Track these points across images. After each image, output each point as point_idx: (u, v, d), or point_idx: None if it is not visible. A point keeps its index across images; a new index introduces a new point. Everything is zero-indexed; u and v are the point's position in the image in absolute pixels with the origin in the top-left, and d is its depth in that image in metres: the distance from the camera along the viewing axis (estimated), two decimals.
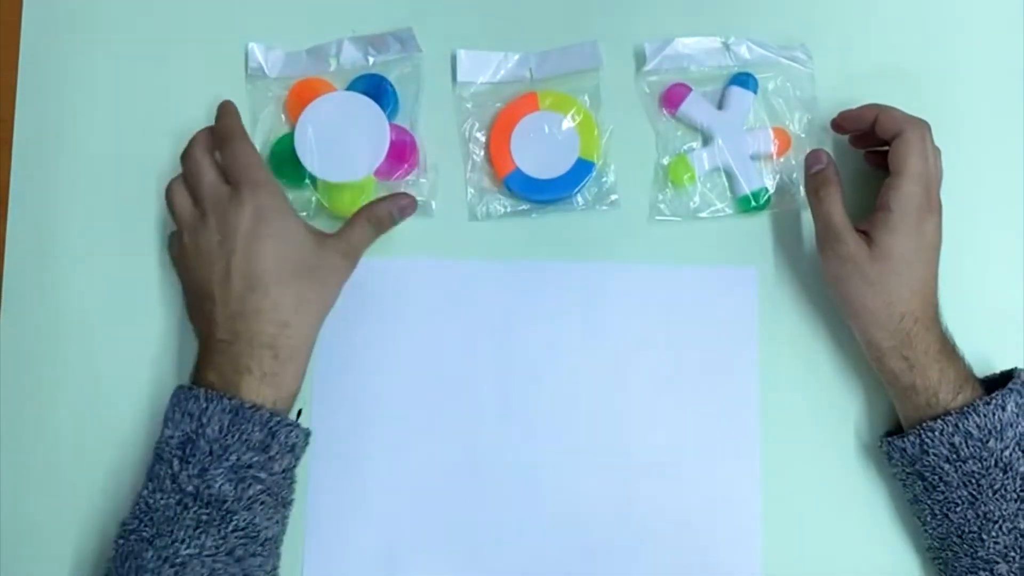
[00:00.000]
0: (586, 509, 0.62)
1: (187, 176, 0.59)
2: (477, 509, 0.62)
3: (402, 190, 0.64)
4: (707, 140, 0.66)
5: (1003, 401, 0.56)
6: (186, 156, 0.59)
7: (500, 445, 0.63)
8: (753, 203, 0.65)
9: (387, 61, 0.66)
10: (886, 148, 0.60)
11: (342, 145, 0.62)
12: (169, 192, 0.59)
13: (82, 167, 0.66)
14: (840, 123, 0.63)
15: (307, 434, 0.57)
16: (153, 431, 0.61)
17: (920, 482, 0.58)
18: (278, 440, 0.54)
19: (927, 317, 0.58)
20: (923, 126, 0.59)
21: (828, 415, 0.64)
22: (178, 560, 0.52)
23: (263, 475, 0.54)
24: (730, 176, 0.65)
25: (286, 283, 0.55)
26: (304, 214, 0.64)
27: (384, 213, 0.61)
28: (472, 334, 0.64)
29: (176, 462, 0.53)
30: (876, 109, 0.60)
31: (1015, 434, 0.56)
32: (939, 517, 0.57)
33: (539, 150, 0.64)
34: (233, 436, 0.53)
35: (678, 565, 0.62)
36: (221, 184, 0.57)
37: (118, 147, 0.66)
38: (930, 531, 0.59)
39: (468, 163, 0.65)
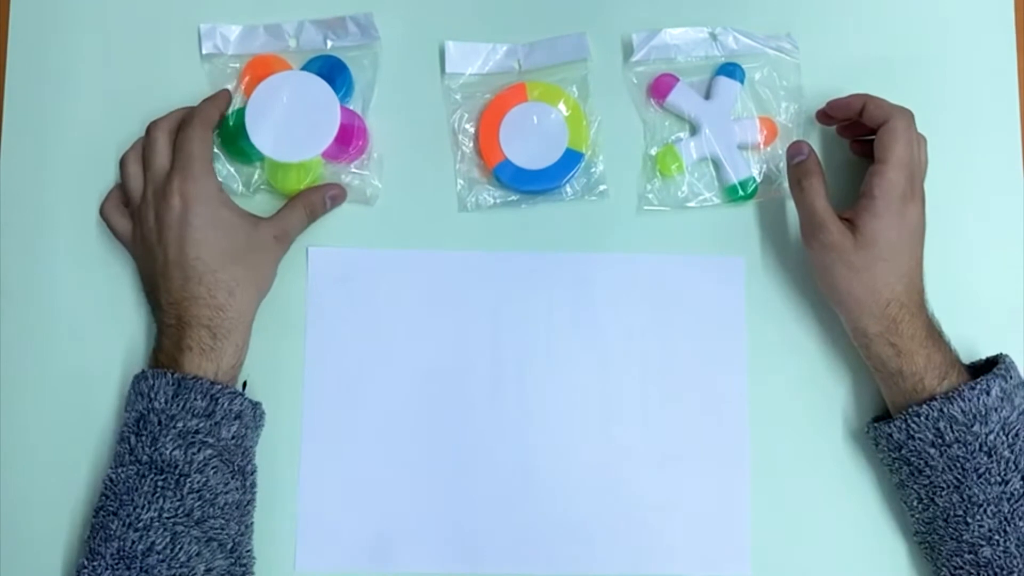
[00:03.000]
0: (575, 497, 0.63)
1: (144, 152, 0.61)
2: (467, 498, 0.63)
3: (350, 172, 0.65)
4: (695, 130, 0.66)
5: (988, 386, 0.56)
6: (147, 133, 0.61)
7: (489, 434, 0.63)
8: (741, 192, 0.65)
9: (345, 45, 0.66)
10: (872, 137, 0.61)
11: (292, 125, 0.63)
12: (124, 163, 0.62)
13: (64, 158, 0.66)
14: (827, 111, 0.64)
15: (254, 405, 0.60)
16: None
17: (906, 467, 0.58)
18: (221, 407, 0.57)
19: (913, 303, 0.58)
20: (908, 115, 0.59)
21: (815, 402, 0.64)
22: (140, 524, 0.55)
23: (211, 440, 0.57)
24: (718, 166, 0.66)
25: (219, 269, 0.59)
26: (246, 189, 0.65)
27: (318, 200, 0.63)
28: (462, 324, 0.64)
29: (132, 438, 0.57)
30: (863, 98, 0.61)
31: (999, 419, 0.56)
32: (925, 501, 0.58)
33: (528, 141, 0.65)
34: (178, 406, 0.56)
35: (667, 551, 0.62)
36: (164, 171, 0.60)
37: (101, 137, 0.66)
38: (916, 515, 0.59)
39: (458, 154, 0.66)
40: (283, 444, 0.63)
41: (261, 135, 0.63)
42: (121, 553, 0.54)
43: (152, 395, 0.56)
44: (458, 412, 0.64)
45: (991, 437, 0.56)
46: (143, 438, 0.56)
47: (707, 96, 0.66)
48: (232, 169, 0.65)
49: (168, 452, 0.56)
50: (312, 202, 0.63)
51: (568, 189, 0.65)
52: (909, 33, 0.67)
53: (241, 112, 0.64)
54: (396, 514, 0.62)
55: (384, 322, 0.64)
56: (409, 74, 0.67)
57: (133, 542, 0.54)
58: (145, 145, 0.61)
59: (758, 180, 0.65)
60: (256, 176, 0.65)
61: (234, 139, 0.64)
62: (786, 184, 0.64)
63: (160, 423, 0.56)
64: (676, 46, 0.66)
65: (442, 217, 0.66)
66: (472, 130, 0.66)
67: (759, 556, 0.62)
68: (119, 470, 0.56)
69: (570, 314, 0.65)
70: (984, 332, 0.63)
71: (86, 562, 0.55)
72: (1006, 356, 0.59)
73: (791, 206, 0.65)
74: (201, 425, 0.56)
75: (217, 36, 0.66)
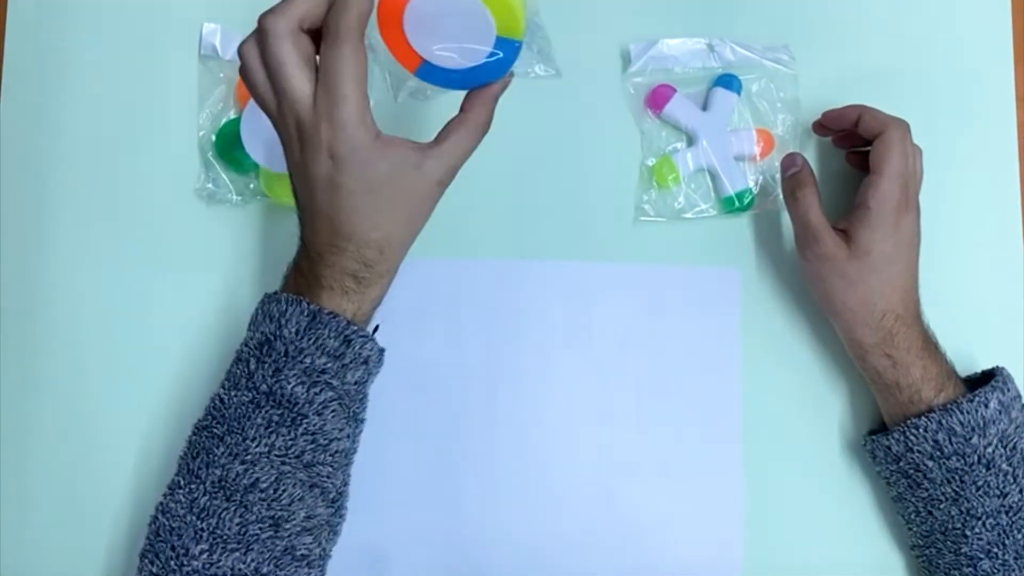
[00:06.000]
0: (570, 507, 0.62)
1: (266, 58, 0.49)
2: (461, 505, 0.62)
3: None
4: (691, 141, 0.66)
5: (986, 398, 0.56)
6: (262, 32, 0.49)
7: (483, 443, 0.63)
8: (737, 204, 0.65)
9: None
10: (867, 148, 0.61)
11: None
12: (242, 62, 0.51)
13: (63, 155, 0.66)
14: (823, 122, 0.64)
15: (381, 351, 0.56)
16: (145, 429, 0.63)
17: (904, 479, 0.58)
18: (352, 349, 0.53)
19: (909, 315, 0.58)
20: (904, 126, 0.59)
21: (811, 414, 0.64)
22: (248, 457, 0.51)
23: (335, 382, 0.53)
24: (714, 177, 0.66)
25: (372, 230, 0.52)
26: (241, 198, 0.64)
27: (487, 114, 0.52)
28: (456, 333, 0.64)
29: (253, 361, 0.53)
30: (859, 109, 0.61)
31: (997, 431, 0.56)
32: (923, 514, 0.58)
33: (445, 37, 0.52)
34: (309, 339, 0.52)
35: (660, 563, 0.62)
36: (303, 100, 0.49)
37: (100, 134, 0.66)
38: (914, 528, 0.59)
39: (376, 68, 0.56)
40: None
41: (256, 144, 0.63)
42: (223, 483, 0.51)
43: (283, 321, 0.52)
44: (451, 422, 0.63)
45: (989, 450, 0.56)
46: (265, 365, 0.52)
47: (704, 107, 0.66)
48: (227, 178, 0.65)
49: (290, 387, 0.52)
50: (482, 122, 0.53)
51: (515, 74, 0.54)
52: (906, 45, 0.68)
53: (236, 121, 0.64)
54: (389, 525, 0.62)
55: (380, 330, 0.64)
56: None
57: (237, 474, 0.51)
58: (267, 52, 0.49)
59: (754, 192, 0.65)
60: (251, 186, 0.65)
61: (229, 148, 0.64)
62: (782, 196, 0.65)
63: (287, 354, 0.52)
64: (673, 57, 0.66)
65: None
66: (378, 38, 0.53)
67: (752, 568, 0.62)
68: (232, 393, 0.53)
69: (565, 324, 0.64)
70: (980, 345, 0.63)
71: (182, 482, 0.52)
72: (1003, 369, 0.59)
73: (787, 218, 0.65)
74: (329, 365, 0.53)
75: (217, 39, 0.66)
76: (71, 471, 0.62)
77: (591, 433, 0.63)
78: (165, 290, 0.64)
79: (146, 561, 0.51)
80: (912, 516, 0.58)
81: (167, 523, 0.51)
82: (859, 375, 0.61)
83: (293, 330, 0.52)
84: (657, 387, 0.64)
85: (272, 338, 0.53)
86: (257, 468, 0.51)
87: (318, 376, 0.53)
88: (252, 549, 0.50)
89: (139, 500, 0.62)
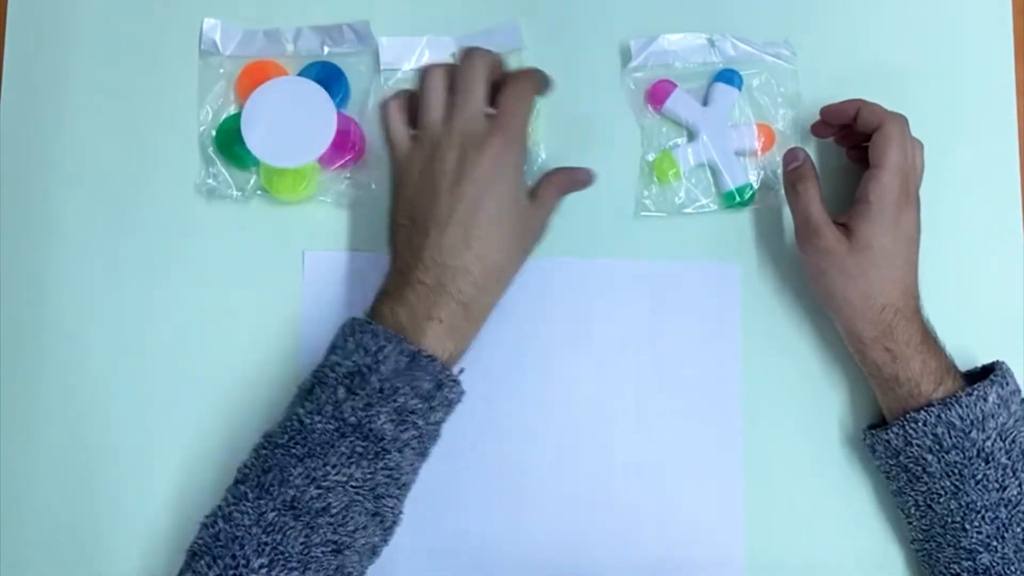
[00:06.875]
0: (570, 503, 0.62)
1: (455, 83, 0.56)
2: (459, 501, 0.62)
3: (346, 178, 0.65)
4: (692, 136, 0.66)
5: (985, 392, 0.56)
6: (466, 65, 0.57)
7: (483, 441, 0.63)
8: (738, 199, 0.65)
9: (343, 52, 0.66)
10: (867, 144, 0.61)
11: (288, 130, 0.63)
12: (429, 76, 0.57)
13: (64, 150, 0.66)
14: (822, 117, 0.64)
15: (462, 394, 0.57)
16: (145, 424, 0.63)
17: (904, 473, 0.58)
18: (443, 393, 0.54)
19: (908, 308, 0.58)
20: (902, 120, 0.60)
21: (811, 409, 0.64)
22: (325, 483, 0.51)
23: (420, 422, 0.54)
24: (715, 172, 0.66)
25: (498, 250, 0.55)
26: (241, 193, 0.64)
27: (580, 178, 0.61)
28: None
29: (342, 390, 0.53)
30: (857, 103, 0.61)
31: (996, 425, 0.56)
32: (922, 508, 0.58)
33: None
34: (405, 379, 0.53)
35: (661, 558, 0.62)
36: (482, 118, 0.55)
37: (102, 129, 0.66)
38: (914, 522, 0.59)
39: None
40: None
41: (257, 140, 0.63)
42: (295, 503, 0.51)
43: (380, 357, 0.52)
44: (452, 418, 0.63)
45: (988, 443, 0.56)
46: (356, 398, 0.52)
47: (705, 102, 0.66)
48: (227, 174, 0.65)
49: (379, 423, 0.52)
50: (585, 179, 0.61)
51: None
52: (907, 39, 0.68)
53: (237, 117, 0.64)
54: None
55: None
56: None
57: (312, 498, 0.51)
58: (461, 79, 0.56)
59: (755, 187, 0.65)
60: (252, 181, 0.65)
61: (230, 144, 0.64)
62: (783, 190, 0.65)
63: (381, 390, 0.52)
64: (674, 52, 0.66)
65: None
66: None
67: (753, 564, 0.62)
68: (316, 418, 0.52)
69: (565, 320, 0.64)
70: (980, 339, 0.63)
71: (251, 494, 0.51)
72: (1002, 363, 0.59)
73: (787, 213, 0.65)
74: (419, 406, 0.53)
75: (218, 34, 0.66)
76: (71, 469, 0.62)
77: (590, 429, 0.63)
78: (165, 285, 0.64)
79: (202, 563, 0.50)
80: (911, 510, 0.59)
81: (230, 530, 0.51)
82: (859, 370, 0.61)
83: (391, 368, 0.52)
84: (657, 382, 0.64)
85: (366, 371, 0.53)
86: (331, 494, 0.51)
87: (407, 416, 0.53)
88: (310, 568, 0.50)
89: (140, 499, 0.62)
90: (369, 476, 0.52)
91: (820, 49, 0.67)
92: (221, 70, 0.66)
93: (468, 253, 0.54)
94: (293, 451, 0.52)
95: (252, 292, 0.64)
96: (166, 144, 0.66)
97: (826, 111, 0.63)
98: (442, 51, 0.66)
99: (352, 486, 0.52)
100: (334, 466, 0.51)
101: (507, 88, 0.56)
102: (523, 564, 0.62)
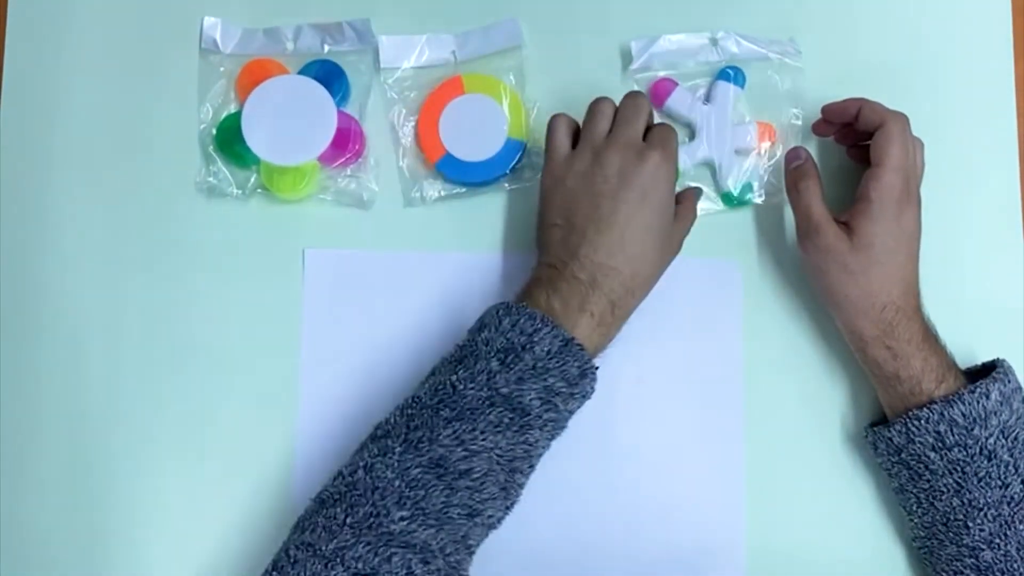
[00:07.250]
0: (572, 500, 0.62)
1: (621, 110, 0.60)
2: None
3: (346, 176, 0.65)
4: (693, 135, 0.66)
5: (987, 389, 0.56)
6: (629, 101, 0.61)
7: None
8: (738, 197, 0.65)
9: (343, 50, 0.66)
10: (868, 143, 0.61)
11: (288, 128, 0.63)
12: (599, 103, 0.61)
13: (64, 148, 0.66)
14: (824, 116, 0.64)
15: (594, 390, 0.58)
16: (146, 420, 0.63)
17: (906, 471, 0.58)
18: (585, 382, 0.56)
19: (909, 307, 0.58)
20: (903, 118, 0.60)
21: (812, 407, 0.64)
22: (473, 447, 0.53)
23: (561, 406, 0.55)
24: (716, 170, 0.66)
25: (646, 255, 0.58)
26: (241, 192, 0.65)
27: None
28: (457, 326, 0.63)
29: (496, 362, 0.54)
30: (859, 102, 0.61)
31: (999, 422, 0.56)
32: (925, 505, 0.58)
33: (468, 133, 0.65)
34: (556, 362, 0.54)
35: (663, 555, 0.62)
36: (641, 138, 0.59)
37: (102, 128, 0.66)
38: (916, 520, 0.59)
39: (399, 150, 0.66)
40: (278, 447, 0.62)
41: (257, 138, 0.63)
42: (441, 462, 0.52)
43: (536, 338, 0.54)
44: None
45: (991, 441, 0.56)
46: (510, 371, 0.54)
47: (706, 101, 0.66)
48: (228, 172, 0.65)
49: (528, 398, 0.54)
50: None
51: (509, 179, 0.65)
52: (909, 38, 0.68)
53: (237, 115, 0.64)
54: None
55: (380, 324, 0.64)
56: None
57: (458, 459, 0.52)
58: (625, 108, 0.60)
59: (756, 185, 0.65)
60: (252, 180, 0.65)
61: (230, 142, 0.64)
62: (783, 189, 0.65)
63: (534, 368, 0.54)
64: (676, 52, 0.66)
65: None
66: (412, 125, 0.66)
67: (755, 560, 0.62)
68: (471, 386, 0.54)
69: None
70: (981, 337, 0.63)
71: (398, 449, 0.53)
72: (1004, 361, 0.59)
73: (789, 211, 0.65)
74: (564, 390, 0.55)
75: (218, 33, 0.66)
76: (72, 467, 0.62)
77: (592, 427, 0.63)
78: (166, 283, 0.64)
79: (336, 509, 0.51)
80: (914, 507, 0.59)
81: (370, 481, 0.52)
82: (860, 368, 0.61)
83: (545, 350, 0.54)
84: (659, 379, 0.64)
85: (520, 349, 0.54)
86: (475, 459, 0.53)
87: (553, 396, 0.55)
88: (444, 529, 0.52)
89: (140, 499, 0.62)
90: (510, 448, 0.54)
91: (820, 49, 0.67)
92: (221, 68, 0.66)
93: (621, 254, 0.57)
94: (442, 413, 0.53)
95: (252, 290, 0.64)
96: (166, 142, 0.66)
97: (827, 110, 0.63)
98: (442, 49, 0.66)
99: (496, 454, 0.53)
100: (482, 432, 0.53)
101: (658, 126, 0.61)
102: (525, 558, 0.62)
